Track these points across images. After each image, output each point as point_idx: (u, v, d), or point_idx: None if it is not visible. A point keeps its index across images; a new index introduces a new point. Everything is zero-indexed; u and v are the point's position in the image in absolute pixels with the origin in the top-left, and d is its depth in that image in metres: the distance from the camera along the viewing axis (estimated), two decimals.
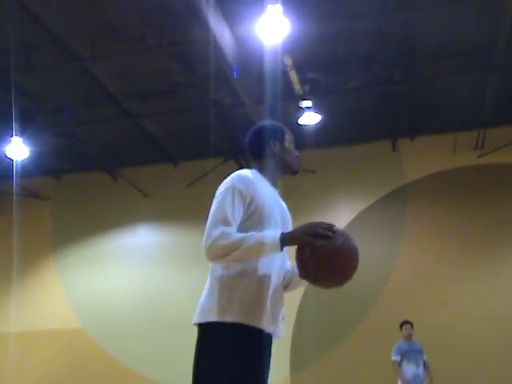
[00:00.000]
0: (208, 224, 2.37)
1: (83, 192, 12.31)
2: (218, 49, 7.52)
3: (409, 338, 8.22)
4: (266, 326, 2.40)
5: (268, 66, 8.05)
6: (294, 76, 8.90)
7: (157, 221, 12.06)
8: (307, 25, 7.72)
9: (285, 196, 10.27)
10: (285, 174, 2.69)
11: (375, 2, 7.70)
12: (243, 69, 8.33)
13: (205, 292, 2.48)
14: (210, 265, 2.48)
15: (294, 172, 2.72)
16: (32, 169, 11.21)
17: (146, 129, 10.79)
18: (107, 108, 9.95)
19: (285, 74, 8.67)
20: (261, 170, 2.60)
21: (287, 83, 8.92)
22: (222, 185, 2.47)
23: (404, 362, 7.96)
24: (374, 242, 10.74)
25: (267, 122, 2.75)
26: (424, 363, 8.13)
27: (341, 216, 10.99)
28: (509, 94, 9.61)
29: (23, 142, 9.99)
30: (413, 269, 10.45)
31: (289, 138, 2.68)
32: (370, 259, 10.67)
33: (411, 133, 10.76)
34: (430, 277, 10.34)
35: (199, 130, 10.79)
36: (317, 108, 9.54)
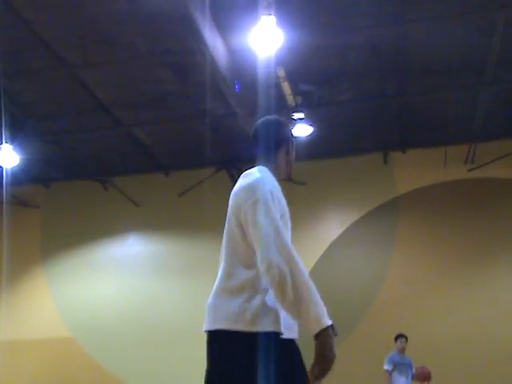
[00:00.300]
0: (264, 238, 2.12)
1: (73, 200, 12.23)
2: (210, 59, 7.51)
3: (402, 351, 8.30)
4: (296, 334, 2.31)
5: (261, 77, 8.04)
6: (286, 87, 8.90)
7: (147, 230, 11.99)
8: (301, 36, 7.74)
9: None
10: (283, 177, 2.52)
11: (369, 16, 7.73)
12: (236, 79, 8.33)
13: (227, 296, 2.23)
14: (230, 267, 2.28)
15: (289, 178, 2.59)
16: (21, 176, 11.12)
17: (137, 138, 10.75)
18: (98, 116, 9.91)
19: (277, 85, 8.68)
20: (271, 171, 2.42)
21: (280, 94, 8.93)
22: (258, 185, 2.25)
23: (395, 373, 8.08)
24: (365, 254, 10.75)
25: (282, 119, 2.59)
26: (412, 378, 8.16)
27: (332, 228, 10.98)
28: (499, 109, 9.67)
29: (13, 149, 9.92)
30: (403, 280, 10.45)
31: (294, 142, 2.61)
32: (361, 270, 10.68)
33: (403, 146, 10.78)
34: (421, 288, 10.33)
35: (191, 139, 10.78)
36: (309, 120, 9.53)
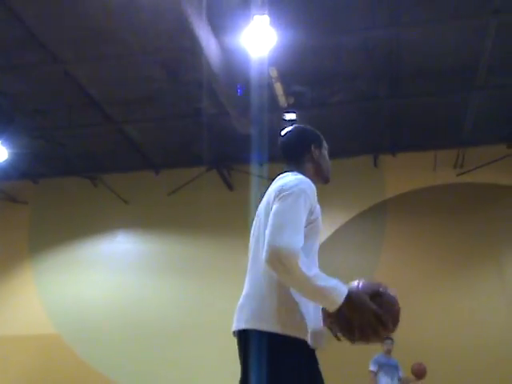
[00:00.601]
0: (278, 224, 2.11)
1: (62, 197, 12.16)
2: (203, 57, 7.49)
3: (388, 352, 8.33)
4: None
5: (253, 76, 8.04)
6: (278, 88, 8.91)
7: (136, 228, 11.94)
8: (294, 37, 7.74)
9: None
10: (318, 180, 2.52)
11: (363, 18, 7.75)
12: (228, 79, 8.31)
13: (257, 294, 2.26)
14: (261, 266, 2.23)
15: (327, 180, 2.61)
16: (10, 171, 11.04)
17: (128, 135, 10.70)
18: (89, 113, 9.86)
19: (270, 85, 8.68)
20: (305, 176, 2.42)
21: (272, 95, 8.92)
22: (290, 183, 2.26)
23: (380, 374, 8.14)
24: (353, 255, 10.78)
25: (306, 126, 2.66)
26: (399, 379, 8.17)
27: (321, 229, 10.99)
28: (489, 114, 9.72)
29: (1, 144, 9.84)
30: (391, 282, 10.27)
31: (325, 145, 2.63)
32: (349, 272, 10.68)
33: (393, 149, 10.82)
34: (408, 290, 10.34)
35: (182, 138, 10.75)
36: (301, 121, 9.54)
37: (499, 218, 10.51)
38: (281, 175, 2.39)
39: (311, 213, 2.26)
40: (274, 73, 8.50)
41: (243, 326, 2.26)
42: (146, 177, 11.90)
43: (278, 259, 2.04)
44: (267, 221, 2.20)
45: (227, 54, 8.06)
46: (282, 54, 8.03)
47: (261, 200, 2.47)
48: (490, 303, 10.24)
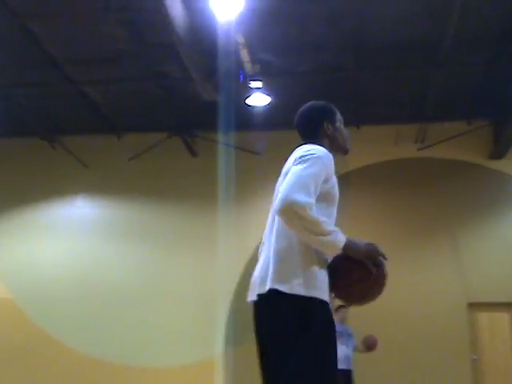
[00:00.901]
0: (293, 181, 2.26)
1: (18, 158, 11.82)
2: (168, 19, 7.30)
3: (343, 320, 8.40)
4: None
5: (219, 42, 7.89)
6: (245, 55, 8.78)
7: (96, 193, 11.74)
8: (262, 3, 7.61)
9: (229, 177, 10.19)
10: (336, 153, 2.61)
11: None
12: (194, 43, 8.14)
13: (284, 256, 2.32)
14: (281, 227, 2.35)
15: (346, 152, 2.72)
16: None
17: (88, 97, 10.42)
18: (48, 72, 9.52)
19: (236, 52, 8.54)
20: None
21: (238, 62, 8.80)
22: (310, 150, 2.39)
23: (337, 343, 8.19)
24: None
25: (318, 102, 2.71)
26: (354, 348, 8.33)
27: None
28: (451, 91, 9.84)
29: None
30: None
31: (339, 117, 2.69)
32: None
33: (357, 121, 10.86)
34: None
35: (145, 102, 10.54)
36: (267, 89, 9.47)
37: (456, 192, 10.75)
38: (300, 147, 2.49)
39: (326, 181, 2.38)
40: (240, 39, 8.36)
41: (274, 287, 2.29)
42: (106, 140, 11.66)
43: (291, 208, 2.19)
44: None
45: (194, 17, 7.87)
46: (249, 20, 7.90)
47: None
48: (443, 274, 10.54)
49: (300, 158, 2.36)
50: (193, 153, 11.37)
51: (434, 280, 10.49)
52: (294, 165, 2.36)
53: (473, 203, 10.74)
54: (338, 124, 2.66)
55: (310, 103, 2.71)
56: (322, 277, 2.32)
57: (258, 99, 9.56)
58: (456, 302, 10.39)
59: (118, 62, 9.27)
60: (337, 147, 2.65)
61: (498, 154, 10.75)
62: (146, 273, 11.09)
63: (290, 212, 2.19)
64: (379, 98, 10.24)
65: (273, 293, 2.28)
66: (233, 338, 10.52)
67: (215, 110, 9.62)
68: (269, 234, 2.44)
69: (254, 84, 9.23)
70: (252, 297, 2.40)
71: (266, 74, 9.28)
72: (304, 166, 2.30)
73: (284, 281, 2.27)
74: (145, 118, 11.02)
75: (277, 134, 10.99)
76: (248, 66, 9.04)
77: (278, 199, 2.24)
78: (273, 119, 10.41)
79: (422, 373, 9.88)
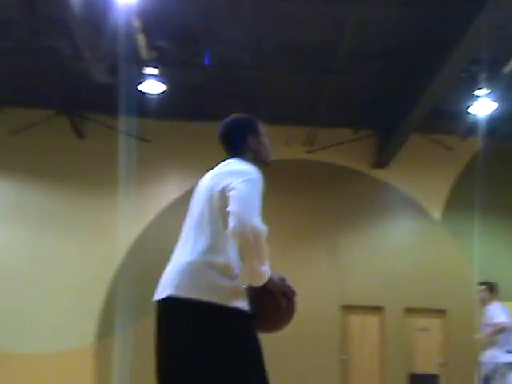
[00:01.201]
0: (248, 203, 2.31)
1: None
2: None
3: None
4: None
5: (115, 22, 7.64)
6: (141, 40, 8.56)
7: None
8: None
9: (117, 162, 9.81)
10: (258, 166, 2.61)
11: None
12: (89, 20, 7.81)
13: (203, 265, 2.34)
14: (215, 242, 2.38)
15: (268, 165, 2.74)
16: None
17: None
18: None
19: (132, 35, 8.31)
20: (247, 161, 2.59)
21: (134, 46, 8.56)
22: (247, 170, 2.45)
23: None
24: None
25: (241, 116, 2.75)
26: None
27: (170, 190, 10.94)
28: (342, 98, 10.22)
29: None
30: None
31: (262, 130, 2.71)
32: None
33: None
34: None
35: (32, 76, 9.99)
36: (162, 77, 9.30)
37: (339, 197, 11.18)
38: (228, 161, 2.55)
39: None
40: (138, 23, 8.14)
41: (188, 295, 2.30)
42: None
43: (253, 235, 2.23)
44: (220, 199, 2.37)
45: None
46: (149, 5, 7.73)
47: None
48: (322, 276, 10.93)
49: (241, 175, 2.40)
50: (79, 134, 10.94)
51: (313, 281, 10.83)
52: (233, 181, 2.37)
53: (354, 209, 11.22)
54: (261, 137, 2.71)
55: (233, 116, 2.74)
56: (242, 289, 2.39)
57: (153, 86, 9.37)
58: (331, 303, 10.82)
59: (4, 30, 8.69)
60: (260, 160, 2.68)
61: (381, 163, 11.29)
62: (18, 253, 10.57)
63: (250, 236, 2.23)
64: (273, 99, 10.41)
65: (195, 300, 2.29)
66: (105, 329, 10.32)
67: (107, 93, 9.32)
68: (194, 236, 2.43)
69: (148, 70, 9.04)
70: (162, 295, 2.37)
71: (163, 61, 9.12)
72: (250, 187, 2.36)
73: (209, 290, 2.30)
74: (30, 93, 10.43)
75: (169, 123, 10.87)
76: (144, 52, 8.83)
77: (235, 219, 2.25)
78: (166, 108, 10.26)
79: (292, 371, 10.09)
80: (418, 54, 8.93)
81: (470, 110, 9.88)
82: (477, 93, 9.34)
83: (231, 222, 2.25)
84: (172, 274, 2.38)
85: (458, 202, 11.25)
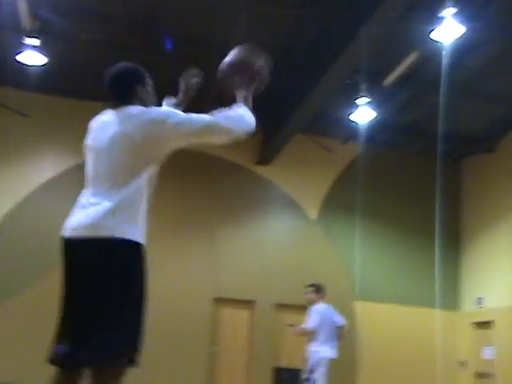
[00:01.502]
0: (192, 119, 2.52)
1: None
2: None
3: None
4: None
5: None
6: (23, 7, 8.06)
7: None
8: None
9: None
10: None
11: None
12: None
13: (108, 206, 2.45)
14: (113, 185, 2.48)
15: None
16: None
17: None
18: None
19: (14, 2, 7.81)
20: None
21: (16, 13, 8.05)
22: (158, 109, 2.63)
23: None
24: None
25: (129, 65, 2.77)
26: None
27: (45, 169, 10.46)
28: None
29: None
30: None
31: (150, 81, 2.76)
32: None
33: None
34: None
35: None
36: (44, 50, 8.81)
37: (222, 190, 11.31)
38: (124, 108, 2.59)
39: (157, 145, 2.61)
40: None
41: (100, 234, 2.41)
42: None
43: (220, 131, 2.55)
44: (131, 142, 2.47)
45: None
46: None
47: None
48: (197, 267, 10.94)
49: (164, 118, 2.52)
50: None
51: (188, 271, 10.85)
52: (163, 123, 2.50)
53: (234, 204, 11.34)
54: (148, 88, 2.76)
55: (121, 65, 2.75)
56: (141, 222, 2.53)
57: (33, 58, 8.85)
58: (204, 295, 10.85)
59: None
60: None
61: (264, 160, 11.49)
62: None
63: (225, 134, 2.56)
64: (167, 83, 10.21)
65: (109, 238, 2.41)
66: None
67: None
68: (102, 182, 2.53)
69: (29, 41, 8.52)
70: (72, 234, 2.49)
71: (46, 33, 8.65)
72: (175, 114, 2.54)
73: (121, 227, 2.42)
74: None
75: (49, 98, 10.36)
76: (26, 21, 8.32)
77: (236, 129, 2.57)
78: (48, 82, 9.77)
79: (161, 362, 9.83)
80: (307, 58, 9.17)
81: (351, 116, 10.29)
82: (358, 101, 9.75)
83: (235, 130, 2.58)
84: (84, 218, 2.53)
85: (335, 203, 11.71)
